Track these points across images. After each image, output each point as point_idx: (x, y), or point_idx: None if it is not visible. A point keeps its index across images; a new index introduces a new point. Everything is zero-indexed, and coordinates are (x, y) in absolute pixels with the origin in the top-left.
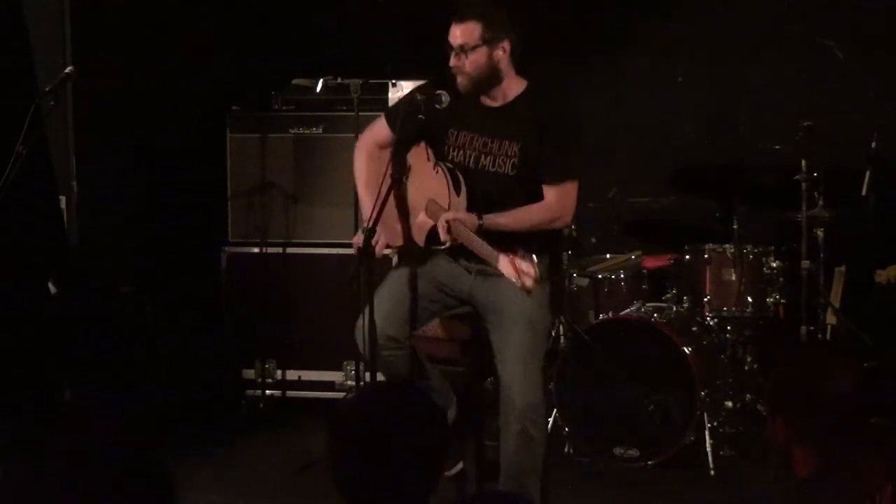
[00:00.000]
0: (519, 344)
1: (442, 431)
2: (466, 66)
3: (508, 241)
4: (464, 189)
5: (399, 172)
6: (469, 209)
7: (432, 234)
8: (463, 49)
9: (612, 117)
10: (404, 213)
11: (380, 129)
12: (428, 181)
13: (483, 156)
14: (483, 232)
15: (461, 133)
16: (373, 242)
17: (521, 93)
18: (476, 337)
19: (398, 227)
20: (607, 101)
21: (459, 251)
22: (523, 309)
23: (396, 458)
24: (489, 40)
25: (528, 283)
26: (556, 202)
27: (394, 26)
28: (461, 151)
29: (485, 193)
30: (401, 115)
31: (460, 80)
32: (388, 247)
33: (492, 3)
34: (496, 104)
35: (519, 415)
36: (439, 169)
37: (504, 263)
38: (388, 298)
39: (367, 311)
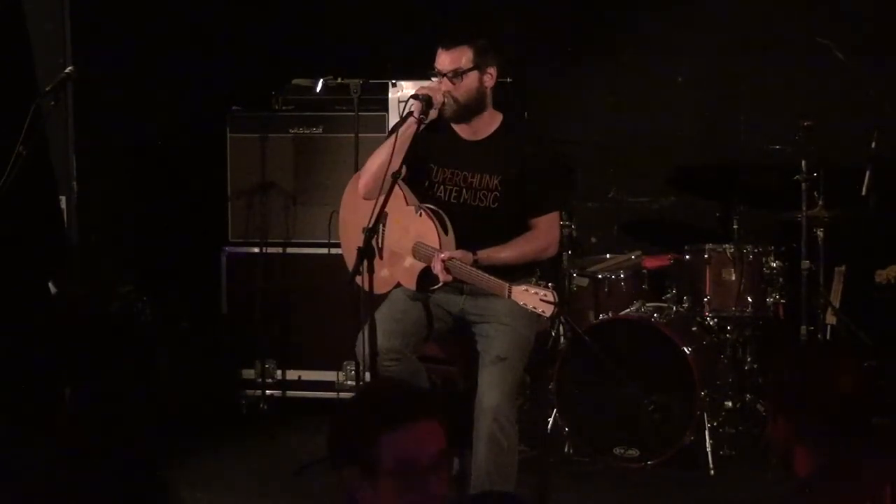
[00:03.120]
0: (499, 351)
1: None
2: (459, 90)
3: (504, 270)
4: (451, 228)
5: (398, 174)
6: (456, 246)
7: (423, 276)
8: (456, 73)
9: (612, 117)
10: (388, 259)
11: None
12: (410, 225)
13: (465, 190)
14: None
15: (441, 169)
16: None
17: (499, 127)
18: (467, 346)
19: (383, 273)
20: (607, 101)
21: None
22: (510, 320)
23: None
24: (479, 65)
25: (549, 310)
26: (544, 233)
27: (394, 26)
28: (442, 187)
29: (468, 228)
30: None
31: (449, 104)
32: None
33: (477, 29)
34: (475, 138)
35: (489, 420)
36: (422, 211)
37: (518, 294)
38: (389, 314)
39: (369, 311)
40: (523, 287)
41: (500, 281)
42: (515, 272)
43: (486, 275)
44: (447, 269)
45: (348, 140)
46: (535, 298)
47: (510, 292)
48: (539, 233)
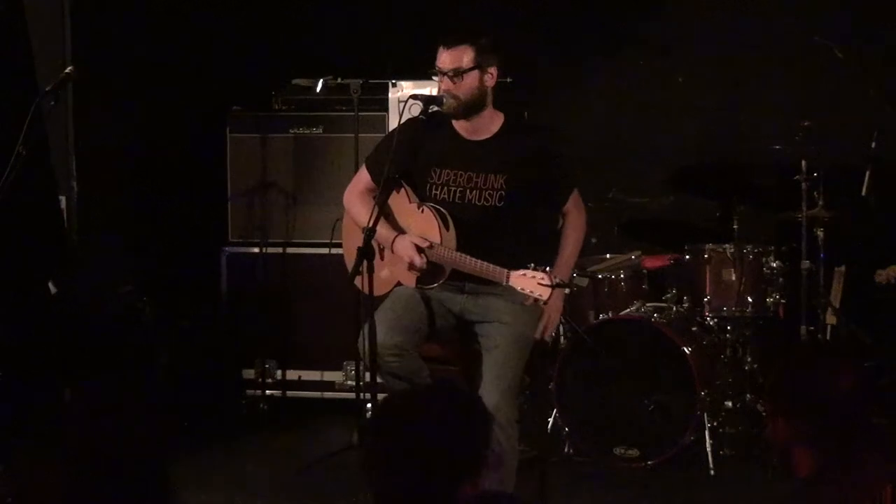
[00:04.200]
0: (500, 350)
1: (480, 429)
2: (461, 89)
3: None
4: (452, 224)
5: (397, 173)
6: (458, 243)
7: (422, 273)
8: (457, 73)
9: (612, 117)
10: (389, 259)
11: (363, 177)
12: (412, 223)
13: (469, 191)
14: (469, 249)
15: (444, 170)
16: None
17: (501, 126)
18: (469, 345)
19: (384, 274)
20: (607, 101)
21: (451, 275)
22: (512, 319)
23: (434, 455)
24: (481, 64)
25: (546, 294)
26: (578, 214)
27: (394, 26)
28: (445, 188)
29: (473, 227)
30: (400, 119)
31: (450, 103)
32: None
33: (479, 27)
34: (477, 138)
35: None
36: (425, 208)
37: (516, 279)
38: (392, 310)
39: (368, 311)
40: (521, 272)
41: (497, 267)
42: (511, 262)
43: (481, 261)
44: (422, 253)
45: (348, 140)
46: (532, 282)
47: (508, 277)
48: (574, 217)
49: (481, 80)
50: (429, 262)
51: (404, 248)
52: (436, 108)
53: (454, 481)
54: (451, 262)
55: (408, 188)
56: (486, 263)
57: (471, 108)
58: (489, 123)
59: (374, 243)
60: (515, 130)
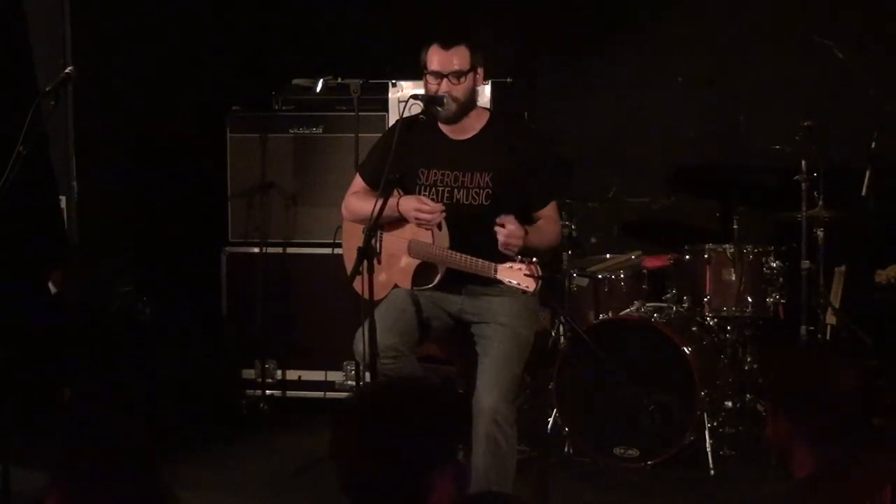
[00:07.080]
0: (497, 351)
1: (453, 421)
2: (460, 90)
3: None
4: (444, 224)
5: (398, 173)
6: (450, 245)
7: (418, 274)
8: (458, 74)
9: (613, 117)
10: (386, 263)
11: (358, 183)
12: (407, 225)
13: (456, 190)
14: (459, 248)
15: (431, 171)
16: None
17: (486, 124)
18: (467, 346)
19: (381, 278)
20: (607, 100)
21: (448, 276)
22: (509, 320)
23: (405, 450)
24: (474, 64)
25: (532, 285)
26: (552, 222)
27: (394, 26)
28: (433, 189)
29: (461, 226)
30: (401, 118)
31: (450, 105)
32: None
33: (467, 27)
34: (463, 137)
35: (486, 420)
36: None
37: (504, 271)
38: (388, 312)
39: (367, 312)
40: (508, 264)
41: (484, 261)
42: (501, 260)
43: (469, 257)
44: (412, 252)
45: (348, 140)
46: (519, 274)
47: (496, 270)
48: (548, 222)
49: (475, 80)
50: (423, 264)
51: (411, 201)
52: (436, 109)
53: (420, 469)
54: (441, 259)
55: (400, 191)
56: (473, 258)
57: (466, 110)
58: (475, 122)
59: (374, 242)
60: (500, 128)
